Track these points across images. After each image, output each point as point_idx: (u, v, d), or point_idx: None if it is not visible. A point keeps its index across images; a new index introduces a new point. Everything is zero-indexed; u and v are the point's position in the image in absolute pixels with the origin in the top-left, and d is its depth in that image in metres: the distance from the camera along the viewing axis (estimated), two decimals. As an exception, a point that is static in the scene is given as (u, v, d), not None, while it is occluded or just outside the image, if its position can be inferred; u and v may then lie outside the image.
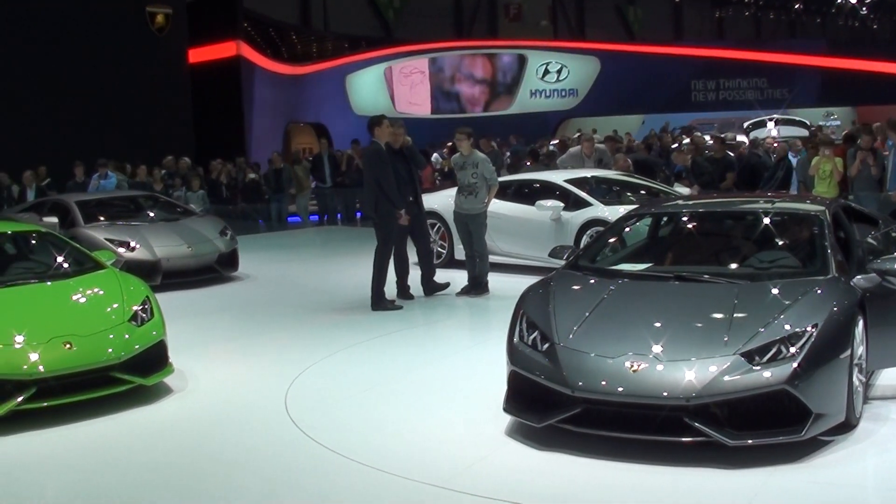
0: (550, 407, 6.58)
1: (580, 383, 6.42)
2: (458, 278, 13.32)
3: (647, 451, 6.31)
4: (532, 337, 6.94)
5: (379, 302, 12.17)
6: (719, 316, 6.73)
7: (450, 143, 25.08)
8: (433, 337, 10.83)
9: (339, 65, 37.13)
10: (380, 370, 9.28)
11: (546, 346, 6.80)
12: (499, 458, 6.57)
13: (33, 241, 10.46)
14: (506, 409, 6.97)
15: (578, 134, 30.80)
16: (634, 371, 6.33)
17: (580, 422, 6.45)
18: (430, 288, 12.92)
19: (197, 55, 32.02)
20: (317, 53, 38.33)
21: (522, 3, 46.75)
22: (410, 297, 12.68)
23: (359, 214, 23.80)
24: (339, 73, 36.85)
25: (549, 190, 14.47)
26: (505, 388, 7.11)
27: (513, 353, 7.03)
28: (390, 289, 12.42)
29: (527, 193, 14.67)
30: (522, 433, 6.87)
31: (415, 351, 10.04)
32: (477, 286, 12.92)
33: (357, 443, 7.04)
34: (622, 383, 6.32)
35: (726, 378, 6.17)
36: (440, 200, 15.17)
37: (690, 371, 6.24)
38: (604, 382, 6.37)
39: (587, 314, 6.97)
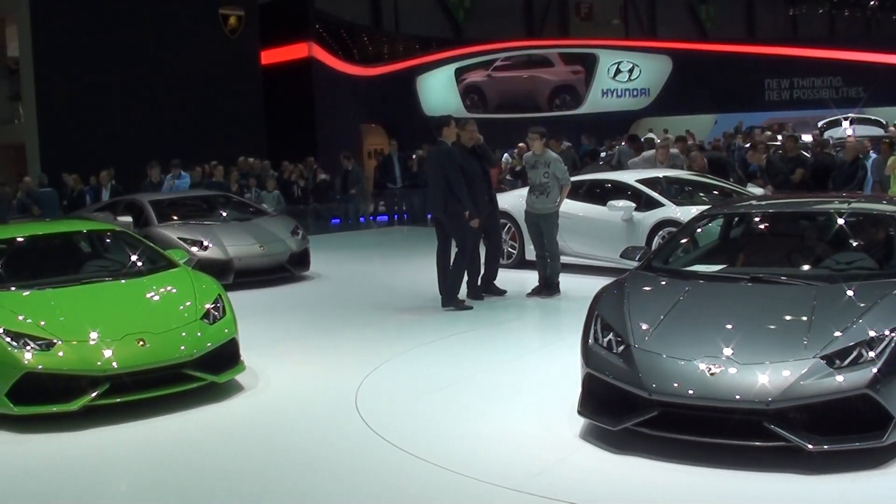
0: (626, 410, 6.45)
1: (657, 386, 6.28)
2: (529, 279, 13.21)
3: (724, 455, 6.14)
4: (607, 339, 6.82)
5: (451, 300, 12.11)
6: (798, 318, 6.56)
7: (521, 144, 25.00)
8: (504, 338, 10.72)
9: (410, 66, 37.13)
10: (451, 370, 9.19)
11: (622, 348, 6.67)
12: (574, 461, 6.45)
13: (108, 240, 10.56)
14: (580, 412, 6.84)
15: (650, 134, 30.48)
16: (712, 374, 6.19)
17: (656, 425, 6.32)
18: (488, 290, 12.82)
19: (269, 57, 32.20)
20: (388, 54, 38.34)
21: (593, 1, 46.41)
22: (480, 297, 12.60)
23: (430, 215, 23.77)
24: (410, 74, 36.85)
25: (620, 190, 14.31)
26: (579, 390, 6.99)
27: (588, 355, 6.90)
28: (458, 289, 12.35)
29: (598, 193, 14.52)
30: (597, 436, 6.74)
31: (486, 352, 9.94)
32: (548, 287, 12.79)
33: (429, 443, 6.96)
34: (700, 386, 6.17)
35: (806, 382, 6.00)
36: (511, 200, 15.07)
37: (769, 374, 6.08)
38: (681, 385, 6.22)
39: (663, 316, 6.83)
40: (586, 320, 7.20)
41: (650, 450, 6.37)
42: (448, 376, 8.94)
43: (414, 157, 24.73)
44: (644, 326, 6.74)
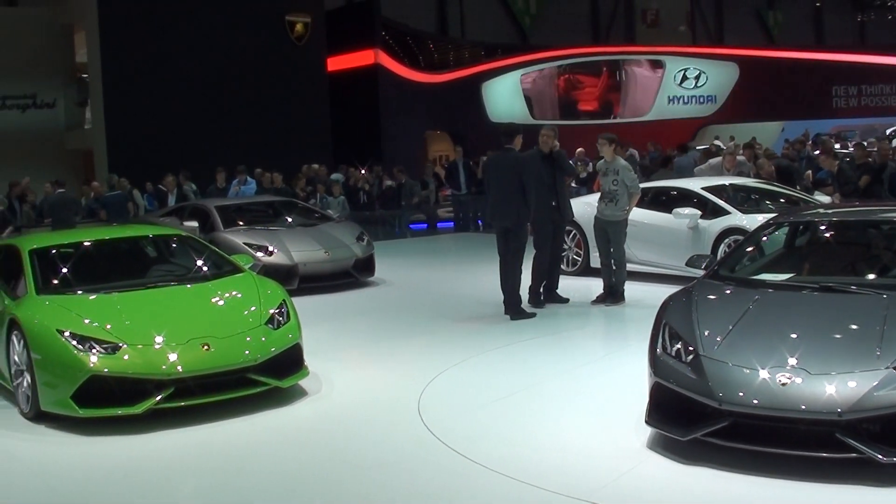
0: (695, 420, 6.31)
1: (727, 395, 6.13)
2: (594, 286, 13.09)
3: (794, 466, 5.99)
4: (676, 348, 6.68)
5: (537, 300, 12.18)
6: (870, 328, 6.39)
7: (579, 149, 24.88)
8: (567, 346, 10.59)
9: (476, 72, 37.11)
10: (514, 378, 9.08)
11: (691, 357, 6.53)
12: (642, 471, 6.32)
13: (174, 245, 10.61)
14: (648, 422, 6.71)
15: (716, 141, 30.17)
16: (783, 384, 6.03)
17: (727, 435, 6.17)
18: (551, 298, 12.71)
19: (335, 64, 32.34)
20: (453, 61, 38.36)
21: (660, 8, 46.11)
22: (542, 305, 12.50)
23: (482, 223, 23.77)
24: (476, 81, 36.82)
25: (686, 197, 14.13)
26: (645, 399, 6.86)
27: (656, 364, 6.76)
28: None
29: (664, 201, 14.35)
30: (665, 446, 6.60)
31: (550, 359, 9.82)
32: (613, 295, 12.66)
33: (493, 451, 6.86)
34: (770, 396, 6.02)
35: (879, 393, 5.84)
36: (577, 207, 14.96)
37: (842, 385, 5.92)
38: (751, 395, 6.07)
39: (732, 325, 6.68)
40: (654, 329, 7.07)
41: (719, 460, 6.22)
42: (512, 384, 8.83)
43: (480, 163, 24.67)
44: (713, 335, 6.60)
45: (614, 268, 12.67)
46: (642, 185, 14.52)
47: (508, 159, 12.09)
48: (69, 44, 30.93)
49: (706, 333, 6.64)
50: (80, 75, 30.76)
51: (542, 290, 12.62)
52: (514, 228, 12.02)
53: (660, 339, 6.87)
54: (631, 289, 12.89)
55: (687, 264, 8.62)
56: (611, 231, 12.61)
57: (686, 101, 42.09)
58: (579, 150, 25.47)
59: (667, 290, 12.95)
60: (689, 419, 6.37)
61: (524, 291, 12.33)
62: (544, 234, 12.58)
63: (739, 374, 6.22)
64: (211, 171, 22.05)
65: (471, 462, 6.67)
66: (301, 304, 9.82)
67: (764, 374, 6.15)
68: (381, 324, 12.45)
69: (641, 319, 11.58)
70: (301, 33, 30.51)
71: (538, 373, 9.25)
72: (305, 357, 8.89)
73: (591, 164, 25.53)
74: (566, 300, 12.75)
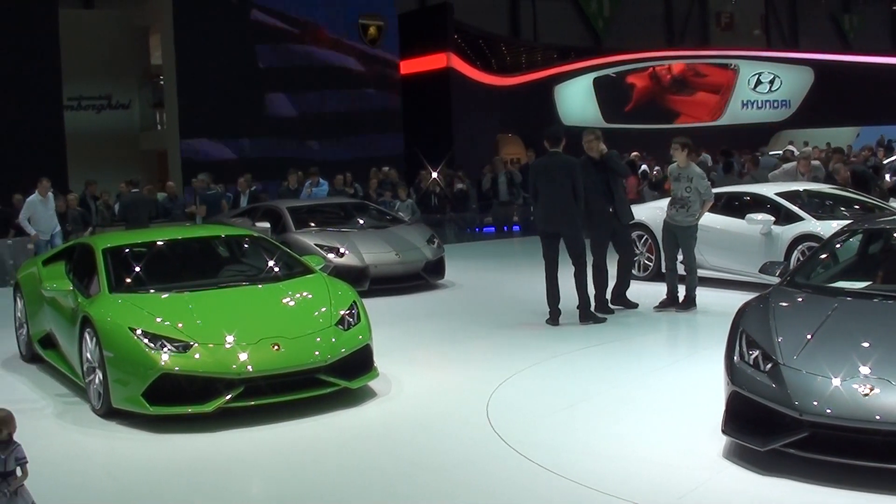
0: (774, 429, 6.15)
1: (808, 406, 5.98)
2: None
3: (876, 478, 5.83)
4: (753, 356, 6.52)
5: (593, 311, 12.00)
6: (952, 337, 6.23)
7: (633, 153, 24.67)
8: (637, 352, 10.43)
9: (548, 75, 36.94)
10: (584, 384, 8.98)
11: (769, 365, 6.37)
12: (721, 481, 6.18)
13: (246, 246, 10.68)
14: (725, 431, 6.56)
15: (789, 146, 29.77)
16: (866, 395, 5.88)
17: (807, 446, 6.02)
18: (621, 303, 12.59)
19: (408, 67, 32.39)
20: (526, 64, 38.21)
21: (734, 11, 45.61)
22: (610, 310, 12.39)
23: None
24: (548, 84, 36.67)
25: (759, 203, 13.91)
26: (720, 407, 6.71)
27: (733, 372, 6.60)
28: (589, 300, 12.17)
29: (737, 206, 14.15)
30: (742, 456, 6.45)
31: (618, 365, 9.70)
32: (686, 301, 12.52)
33: (564, 458, 6.77)
34: (853, 407, 5.86)
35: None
36: (648, 212, 14.83)
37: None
38: (833, 405, 5.91)
39: (811, 333, 6.52)
40: (730, 336, 6.92)
41: (798, 471, 6.08)
42: (581, 390, 8.74)
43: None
44: (792, 344, 6.45)
45: (685, 273, 12.51)
46: (715, 191, 14.39)
47: (557, 163, 11.90)
48: (144, 46, 31.34)
49: (785, 342, 6.49)
50: (155, 77, 31.15)
51: (609, 295, 12.50)
52: (568, 234, 11.86)
53: (737, 347, 6.72)
54: (700, 294, 12.72)
55: (760, 271, 8.46)
56: (681, 236, 12.44)
57: (760, 105, 41.53)
58: (634, 153, 25.30)
59: (735, 296, 12.86)
60: (767, 429, 6.22)
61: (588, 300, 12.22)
62: (601, 241, 12.42)
63: (819, 384, 6.07)
64: (282, 173, 22.17)
65: (541, 468, 6.59)
66: (371, 305, 9.82)
67: (844, 384, 6.00)
68: (450, 326, 12.42)
69: (709, 325, 11.52)
70: (374, 36, 30.61)
71: (607, 379, 9.14)
72: (375, 358, 8.89)
73: (644, 167, 25.41)
74: (635, 305, 12.62)
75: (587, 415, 7.95)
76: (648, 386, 8.84)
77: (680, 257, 12.58)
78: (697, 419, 7.42)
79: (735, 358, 6.65)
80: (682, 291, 12.52)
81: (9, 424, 5.58)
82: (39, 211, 17.73)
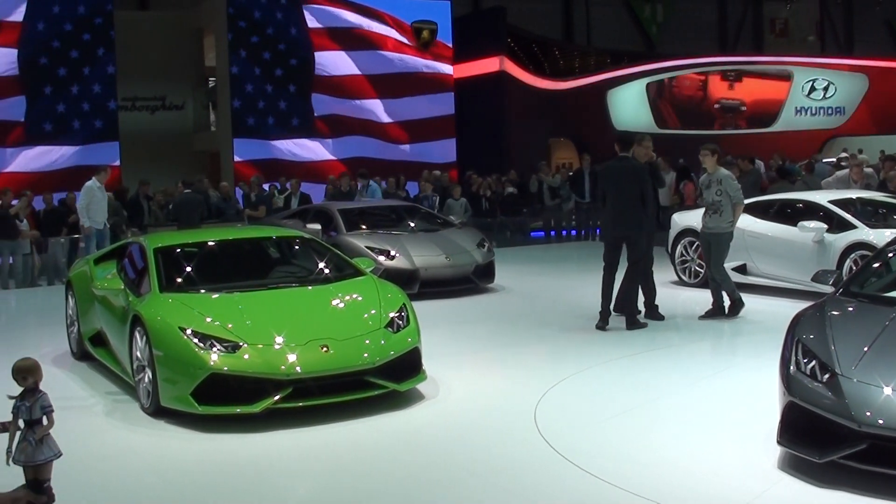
0: (832, 441, 6.02)
1: (866, 417, 5.85)
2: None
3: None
4: (810, 366, 6.38)
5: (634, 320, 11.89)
6: None
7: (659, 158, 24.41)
8: (684, 359, 10.29)
9: (601, 80, 36.78)
10: (632, 391, 8.89)
11: (826, 376, 6.23)
12: (777, 493, 6.06)
13: (297, 247, 10.70)
14: (780, 442, 6.42)
15: (843, 154, 29.40)
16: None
17: (866, 458, 5.89)
18: (651, 314, 12.49)
19: (461, 71, 32.37)
20: (578, 68, 38.06)
21: (789, 17, 45.18)
22: (660, 317, 12.30)
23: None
24: (601, 89, 36.51)
25: (812, 210, 13.74)
26: (771, 416, 6.60)
27: (789, 382, 6.45)
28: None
29: (789, 214, 13.99)
30: (798, 468, 6.33)
31: (666, 373, 9.58)
32: (731, 308, 12.43)
33: (613, 466, 6.69)
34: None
35: None
36: (699, 218, 14.73)
37: None
38: (892, 417, 5.78)
39: (868, 344, 6.37)
40: (785, 346, 6.79)
41: (856, 484, 5.95)
42: (629, 397, 8.65)
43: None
44: (850, 354, 6.31)
45: (717, 283, 12.44)
46: (766, 198, 14.29)
47: (626, 168, 11.88)
48: (198, 47, 31.58)
49: (842, 352, 6.35)
50: (209, 78, 31.38)
51: (656, 302, 12.42)
52: (634, 238, 11.83)
53: (792, 357, 6.58)
54: (747, 301, 12.62)
55: (813, 279, 8.32)
56: (714, 244, 12.35)
57: (814, 112, 41.07)
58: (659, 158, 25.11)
59: (781, 304, 12.79)
60: (824, 440, 6.09)
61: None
62: (648, 245, 12.40)
63: (878, 395, 5.93)
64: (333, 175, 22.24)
65: (590, 476, 6.51)
66: (421, 308, 9.79)
67: None
68: (499, 330, 12.38)
69: (756, 333, 11.41)
70: (427, 40, 30.63)
71: (655, 386, 9.04)
72: (424, 361, 8.87)
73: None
74: (662, 318, 12.44)
75: (636, 423, 7.86)
76: (697, 394, 8.74)
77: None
78: (749, 429, 7.31)
79: (791, 368, 6.52)
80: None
81: (35, 372, 5.66)
82: (98, 198, 18.01)
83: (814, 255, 13.06)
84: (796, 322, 7.00)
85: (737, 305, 12.39)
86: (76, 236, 18.77)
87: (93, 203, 17.92)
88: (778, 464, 6.51)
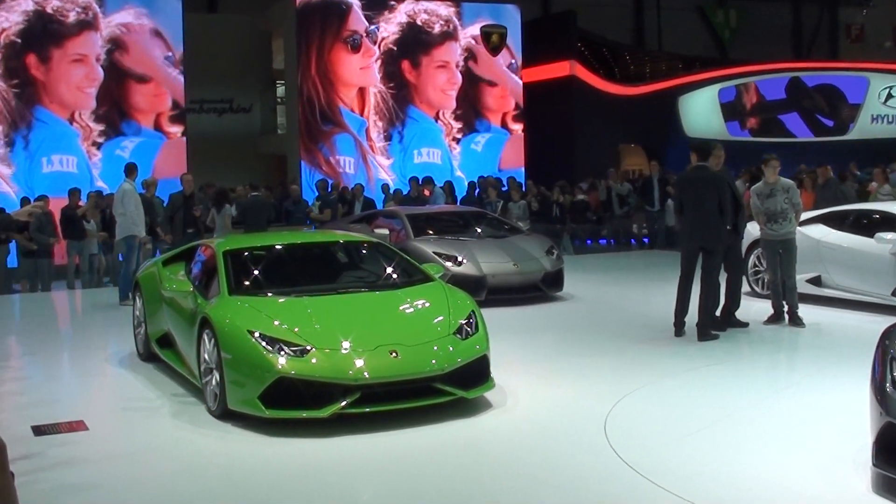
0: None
1: None
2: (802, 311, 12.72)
3: None
4: None
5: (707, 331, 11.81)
6: None
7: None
8: (756, 373, 10.15)
9: (672, 86, 36.58)
10: (705, 404, 8.80)
11: None
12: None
13: (364, 252, 10.77)
14: (876, 464, 6.14)
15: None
16: None
17: None
18: (730, 322, 12.37)
19: (530, 75, 32.35)
20: (649, 74, 37.91)
21: (865, 23, 44.60)
22: (739, 323, 12.28)
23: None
24: (672, 94, 36.30)
25: (889, 221, 13.51)
26: (857, 436, 6.38)
27: (887, 402, 6.12)
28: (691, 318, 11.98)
29: (865, 224, 13.79)
30: (895, 492, 6.14)
31: (739, 387, 9.43)
32: (791, 319, 12.38)
33: (691, 484, 6.56)
34: None
35: None
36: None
37: None
38: None
39: None
40: (877, 362, 6.47)
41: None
42: (702, 410, 8.55)
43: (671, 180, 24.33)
44: None
45: (789, 290, 12.44)
46: (842, 208, 14.32)
47: (704, 177, 11.84)
48: (267, 50, 31.86)
49: None
50: (276, 81, 31.62)
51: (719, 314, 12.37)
52: (711, 249, 11.79)
53: (888, 375, 6.25)
54: (813, 313, 12.54)
55: (893, 294, 8.16)
56: (784, 250, 12.57)
57: (890, 120, 40.48)
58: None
59: (855, 318, 12.64)
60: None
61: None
62: (735, 255, 12.51)
63: None
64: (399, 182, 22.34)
65: (664, 491, 6.44)
66: (488, 315, 9.78)
67: None
68: (567, 339, 12.34)
69: (827, 347, 11.31)
70: (496, 44, 30.64)
71: (731, 400, 8.91)
72: (492, 369, 8.87)
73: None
74: (746, 324, 12.40)
75: (712, 438, 7.75)
76: (775, 409, 8.60)
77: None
78: (836, 449, 7.14)
79: (888, 387, 6.18)
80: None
81: None
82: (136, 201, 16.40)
83: (891, 267, 12.85)
84: (887, 337, 6.62)
85: (796, 320, 12.40)
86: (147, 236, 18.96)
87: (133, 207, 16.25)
88: (872, 487, 6.28)
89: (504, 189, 24.22)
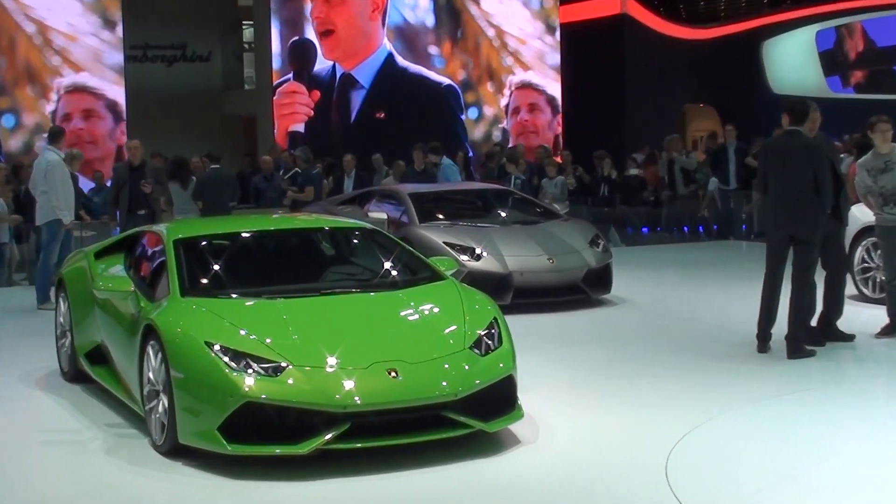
0: None
1: None
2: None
3: None
4: None
5: (798, 344, 11.78)
6: None
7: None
8: (862, 402, 10.08)
9: (754, 28, 36.50)
10: (792, 443, 8.72)
11: None
12: None
13: (355, 242, 10.79)
14: None
15: None
16: None
17: None
18: (830, 333, 12.33)
19: (570, 13, 32.32)
20: (725, 13, 37.88)
21: None
22: (842, 336, 12.28)
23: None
24: (754, 39, 36.23)
25: None
26: None
27: None
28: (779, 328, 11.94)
29: None
30: None
31: (838, 420, 9.37)
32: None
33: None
34: None
35: None
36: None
37: None
38: None
39: None
40: None
41: None
42: (789, 453, 8.49)
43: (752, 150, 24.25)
44: None
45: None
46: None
47: (797, 146, 11.78)
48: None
49: None
50: (242, 23, 31.62)
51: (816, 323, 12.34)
52: (803, 238, 11.72)
53: None
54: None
55: None
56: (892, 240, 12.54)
57: None
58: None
59: None
60: None
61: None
62: (836, 247, 12.42)
63: None
64: (406, 152, 22.30)
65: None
66: (515, 324, 9.78)
67: None
68: (616, 355, 12.33)
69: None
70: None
71: (826, 440, 8.84)
72: (519, 394, 8.85)
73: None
74: (851, 337, 12.38)
75: (806, 485, 7.74)
76: (884, 453, 8.50)
77: None
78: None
79: None
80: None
81: None
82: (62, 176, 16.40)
83: None
84: None
85: (895, 328, 12.45)
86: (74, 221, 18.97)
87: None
88: None
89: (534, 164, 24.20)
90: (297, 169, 22.07)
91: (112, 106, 26.38)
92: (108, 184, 19.45)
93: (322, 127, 29.05)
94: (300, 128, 28.83)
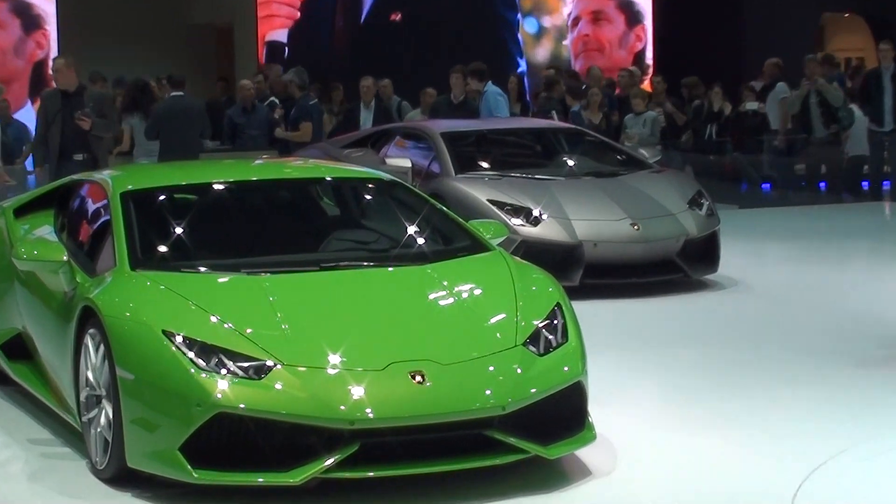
0: None
1: None
2: None
3: None
4: None
5: None
6: None
7: None
8: None
9: None
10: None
11: None
12: None
13: (368, 198, 10.83)
14: None
15: None
16: None
17: None
18: None
19: None
20: None
21: None
22: None
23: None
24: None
25: None
26: None
27: None
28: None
29: None
30: None
31: None
32: None
33: None
34: None
35: None
36: None
37: None
38: None
39: None
40: None
41: None
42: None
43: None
44: None
45: None
46: None
47: None
48: None
49: None
50: None
51: None
52: None
53: None
54: None
55: None
56: None
57: None
58: None
59: None
60: None
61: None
62: None
63: None
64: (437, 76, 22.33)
65: None
66: (586, 313, 9.83)
67: None
68: (721, 357, 12.39)
69: None
70: None
71: None
72: (590, 408, 8.87)
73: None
74: None
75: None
76: None
77: None
78: None
79: None
80: None
81: None
82: None
83: None
84: None
85: None
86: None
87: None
88: None
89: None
90: (273, 98, 22.15)
91: (23, 7, 26.40)
92: (33, 119, 19.39)
93: (311, 36, 29.09)
94: (280, 36, 28.86)
